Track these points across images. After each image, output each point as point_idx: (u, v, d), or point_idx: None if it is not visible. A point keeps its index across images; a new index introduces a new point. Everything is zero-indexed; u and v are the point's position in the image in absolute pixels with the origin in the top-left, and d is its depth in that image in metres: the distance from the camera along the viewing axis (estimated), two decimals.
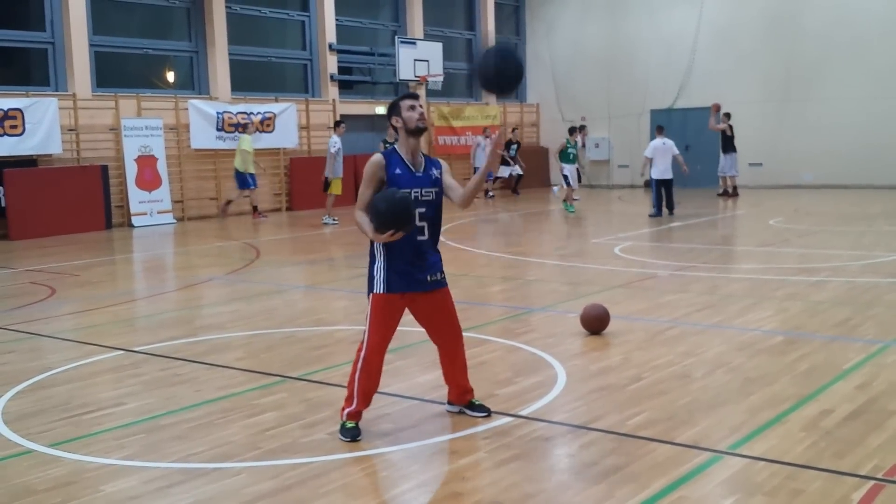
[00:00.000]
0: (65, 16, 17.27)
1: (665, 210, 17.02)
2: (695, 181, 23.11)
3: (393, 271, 4.77)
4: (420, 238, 4.78)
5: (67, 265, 12.43)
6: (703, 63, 24.63)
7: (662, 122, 25.29)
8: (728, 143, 21.28)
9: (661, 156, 16.96)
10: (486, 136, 24.06)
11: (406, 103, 4.81)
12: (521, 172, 24.85)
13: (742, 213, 17.69)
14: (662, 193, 16.98)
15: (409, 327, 7.62)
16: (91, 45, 17.83)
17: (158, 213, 18.38)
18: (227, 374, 6.25)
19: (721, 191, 21.66)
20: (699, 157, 23.41)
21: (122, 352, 7.05)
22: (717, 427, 4.84)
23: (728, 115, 21.37)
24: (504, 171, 24.18)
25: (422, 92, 24.67)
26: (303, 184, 21.09)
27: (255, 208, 18.94)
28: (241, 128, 19.21)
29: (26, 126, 16.23)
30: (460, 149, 25.50)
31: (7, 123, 16.02)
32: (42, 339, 7.69)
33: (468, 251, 12.80)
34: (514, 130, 25.52)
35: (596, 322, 7.12)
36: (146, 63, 19.63)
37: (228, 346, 7.26)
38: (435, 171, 4.87)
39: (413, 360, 6.54)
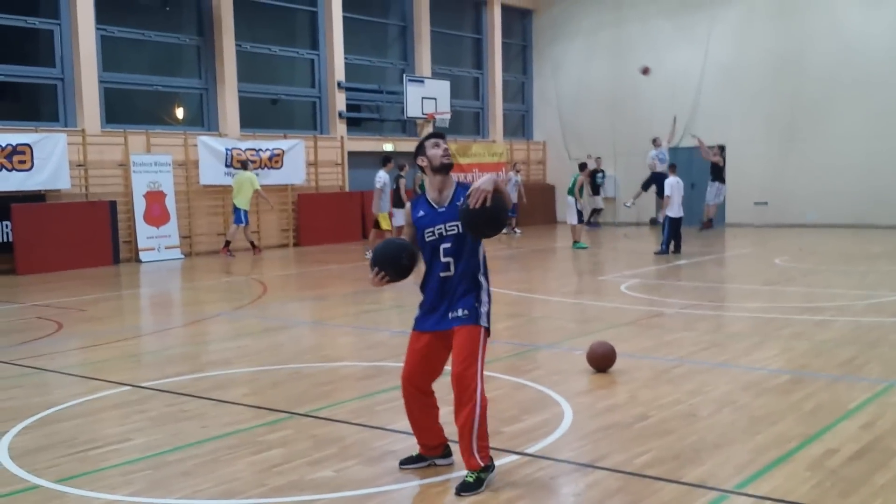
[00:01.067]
0: (75, 52, 17.50)
1: (671, 248, 17.01)
2: (699, 219, 23.16)
3: (421, 309, 4.83)
4: (444, 274, 4.71)
5: (74, 300, 12.48)
6: (708, 102, 24.82)
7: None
8: (718, 173, 21.74)
9: (678, 194, 16.98)
10: (517, 171, 23.84)
11: (430, 142, 4.85)
12: (602, 206, 24.58)
13: (747, 252, 17.70)
14: (673, 232, 16.92)
15: None
16: (101, 82, 18.03)
17: (166, 248, 18.46)
18: (234, 411, 6.26)
19: (705, 220, 22.12)
20: (704, 196, 23.44)
21: (128, 387, 7.07)
22: (723, 466, 4.83)
23: (722, 148, 21.73)
24: (597, 202, 23.62)
25: (429, 129, 24.87)
26: (310, 220, 21.21)
27: (227, 244, 18.66)
28: (242, 164, 19.25)
29: (35, 161, 16.37)
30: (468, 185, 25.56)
31: (16, 159, 16.16)
32: (48, 374, 7.71)
33: None
34: (597, 158, 24.82)
35: (602, 360, 7.13)
36: (156, 99, 19.84)
37: (235, 382, 7.27)
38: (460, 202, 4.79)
39: None
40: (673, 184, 17.00)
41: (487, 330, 4.72)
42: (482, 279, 4.77)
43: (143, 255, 18.03)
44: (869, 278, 13.00)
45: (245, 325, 10.10)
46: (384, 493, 4.57)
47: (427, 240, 4.73)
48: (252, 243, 18.99)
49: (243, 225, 18.57)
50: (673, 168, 17.83)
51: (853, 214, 22.05)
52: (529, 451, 5.15)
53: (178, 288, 15.09)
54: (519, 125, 29.21)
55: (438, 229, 4.71)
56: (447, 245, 4.70)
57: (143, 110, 19.58)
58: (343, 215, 21.96)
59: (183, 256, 18.73)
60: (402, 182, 17.71)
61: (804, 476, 4.62)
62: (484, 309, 4.72)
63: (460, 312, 4.66)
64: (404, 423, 5.76)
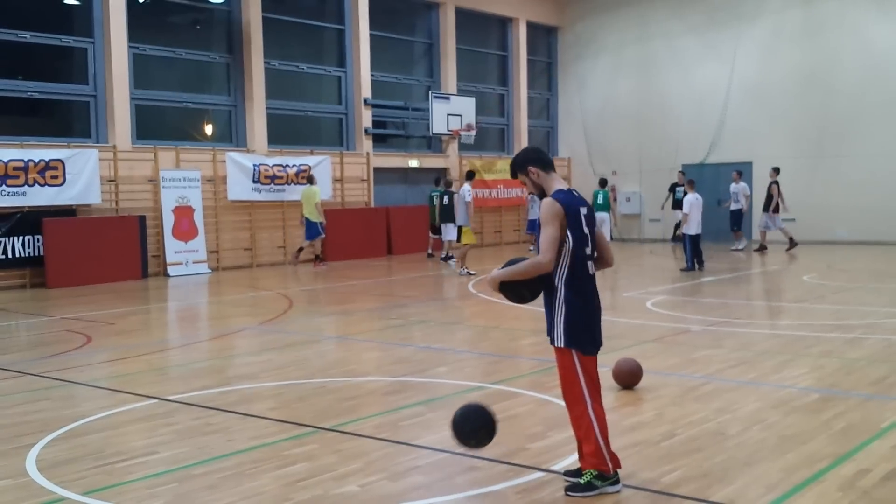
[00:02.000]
0: (107, 70, 17.74)
1: (695, 265, 16.90)
2: (725, 236, 23.00)
3: None
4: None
5: (103, 314, 12.59)
6: (734, 119, 24.70)
7: (694, 177, 25.37)
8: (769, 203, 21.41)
9: (697, 210, 16.89)
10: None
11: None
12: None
13: (775, 269, 17.53)
14: (694, 249, 16.86)
15: (441, 379, 7.63)
16: (132, 99, 18.26)
17: (194, 262, 18.61)
18: (259, 424, 6.27)
19: (758, 246, 21.73)
20: (730, 213, 23.26)
21: (155, 400, 7.11)
22: (752, 485, 4.76)
23: (776, 170, 21.39)
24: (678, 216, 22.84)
25: (454, 146, 24.94)
26: (336, 235, 21.25)
27: (316, 257, 19.65)
28: (308, 179, 19.84)
29: (67, 176, 16.59)
30: (492, 202, 25.65)
31: (48, 174, 16.39)
32: (77, 387, 7.77)
33: (498, 304, 12.79)
34: (680, 172, 23.98)
35: (628, 377, 7.07)
36: (185, 116, 20.06)
37: (260, 395, 7.29)
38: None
39: (444, 413, 6.51)
40: (692, 201, 16.88)
41: (578, 351, 4.67)
42: (559, 285, 4.68)
43: (171, 270, 18.17)
44: None
45: (271, 340, 10.14)
46: None
47: None
48: (316, 256, 19.63)
49: (321, 237, 19.47)
50: (692, 184, 17.66)
51: (884, 231, 21.80)
52: (555, 468, 5.11)
53: (205, 302, 15.18)
54: (544, 142, 29.20)
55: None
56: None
57: (173, 126, 19.80)
58: (368, 231, 22.03)
59: (210, 271, 18.85)
60: (456, 198, 18.36)
61: (835, 496, 4.55)
62: (559, 324, 4.67)
63: (547, 336, 4.80)
64: (429, 439, 5.76)
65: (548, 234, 4.57)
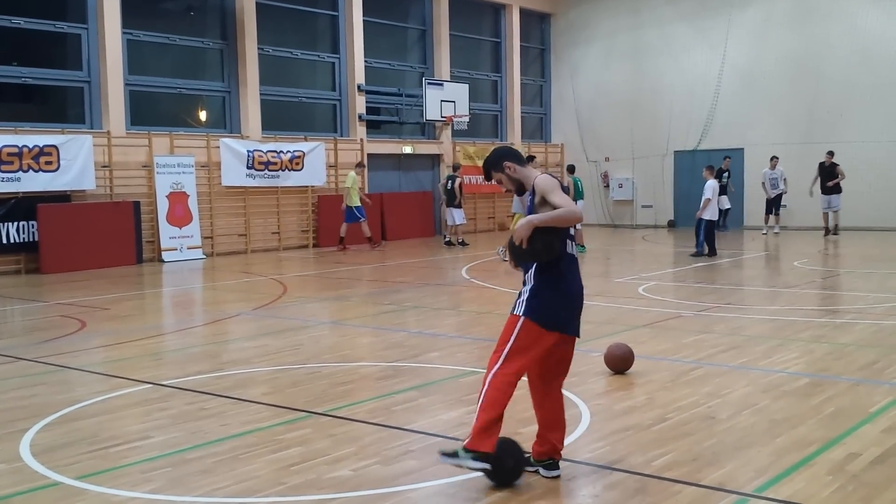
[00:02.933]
0: (101, 56, 17.67)
1: (706, 250, 16.80)
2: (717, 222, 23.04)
3: None
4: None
5: (98, 299, 12.60)
6: (726, 105, 24.74)
7: (686, 164, 25.45)
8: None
9: (716, 196, 16.83)
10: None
11: None
12: (730, 206, 23.28)
13: (766, 255, 17.60)
14: (708, 235, 16.75)
15: (434, 364, 7.67)
16: (126, 84, 18.21)
17: (188, 248, 18.60)
18: (253, 409, 6.30)
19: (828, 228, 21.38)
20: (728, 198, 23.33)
21: (149, 385, 7.13)
22: (742, 469, 4.81)
23: (831, 154, 21.26)
24: (724, 202, 22.26)
25: (448, 132, 24.92)
26: (330, 221, 21.26)
27: (369, 238, 20.15)
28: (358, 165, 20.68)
29: (61, 162, 16.56)
30: (486, 188, 25.63)
31: (42, 160, 16.35)
32: (71, 372, 7.78)
33: (492, 289, 12.83)
34: (726, 158, 23.42)
35: (620, 361, 7.12)
36: (179, 102, 20.00)
37: (254, 380, 7.32)
38: (529, 197, 4.76)
39: (437, 398, 6.56)
40: (714, 186, 16.75)
41: (529, 320, 4.59)
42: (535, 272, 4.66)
43: (165, 255, 18.17)
44: (890, 281, 12.89)
45: (265, 325, 10.16)
46: (402, 492, 4.59)
47: None
48: (369, 238, 20.15)
49: (363, 220, 19.95)
50: (711, 170, 17.42)
51: (873, 217, 21.90)
52: None
53: (200, 287, 15.19)
54: (537, 128, 29.19)
55: None
56: None
57: (167, 113, 19.75)
58: None
59: (204, 256, 18.86)
60: (458, 182, 19.63)
61: (825, 480, 4.60)
62: (525, 296, 4.65)
63: (515, 303, 4.74)
64: (422, 424, 5.80)
65: (562, 195, 4.52)
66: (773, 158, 21.89)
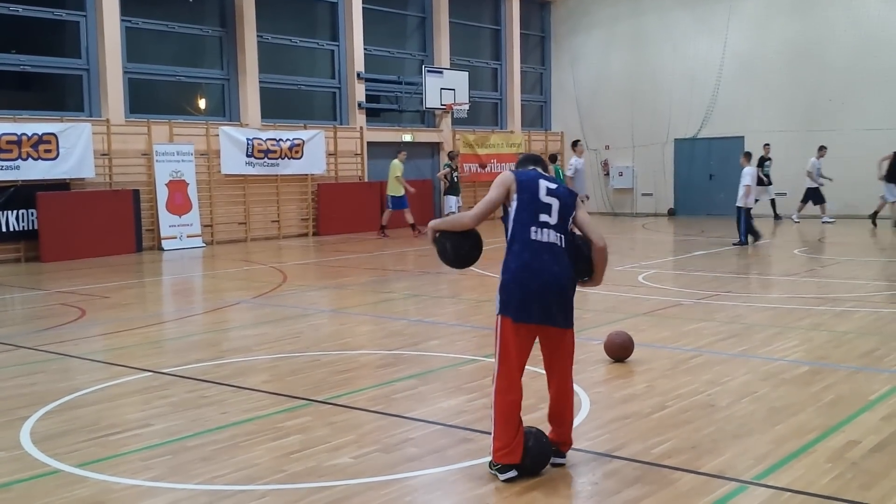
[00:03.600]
0: (100, 43, 17.62)
1: (748, 238, 16.58)
2: (719, 209, 23.07)
3: None
4: None
5: (98, 287, 12.60)
6: (727, 93, 24.68)
7: (686, 151, 25.39)
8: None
9: (755, 183, 16.64)
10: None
11: None
12: (773, 195, 22.32)
13: (766, 243, 17.58)
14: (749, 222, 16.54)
15: (433, 352, 7.68)
16: (125, 72, 18.16)
17: (188, 236, 18.59)
18: (254, 397, 6.31)
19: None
20: (723, 187, 23.36)
21: (149, 373, 7.14)
22: (742, 457, 4.82)
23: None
24: (763, 195, 21.43)
25: (447, 120, 24.87)
26: (330, 209, 21.28)
27: (412, 225, 20.12)
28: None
29: (60, 150, 16.53)
30: (485, 176, 25.60)
31: (41, 148, 16.32)
32: (71, 360, 7.79)
33: (491, 277, 12.82)
34: (766, 145, 22.61)
35: (620, 349, 7.13)
36: (179, 90, 19.95)
37: (255, 368, 7.33)
38: None
39: (437, 385, 6.57)
40: (752, 173, 16.54)
41: (501, 315, 4.65)
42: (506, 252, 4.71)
43: (165, 244, 18.16)
44: (890, 269, 12.90)
45: (265, 313, 10.17)
46: (402, 480, 4.60)
47: None
48: (413, 226, 20.12)
49: (405, 209, 20.17)
50: (748, 157, 17.11)
51: (872, 205, 21.83)
52: None
53: (200, 276, 15.19)
54: (537, 116, 29.14)
55: None
56: None
57: (166, 100, 19.70)
58: (362, 205, 22.00)
59: (204, 245, 18.85)
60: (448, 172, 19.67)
61: (824, 468, 4.61)
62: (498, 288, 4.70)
63: None
64: (422, 412, 5.81)
65: (485, 197, 4.74)
66: (822, 148, 21.51)
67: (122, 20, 18.02)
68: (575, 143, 17.42)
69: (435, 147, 25.09)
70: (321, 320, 9.86)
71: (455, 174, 20.89)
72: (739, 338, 8.09)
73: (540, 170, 4.85)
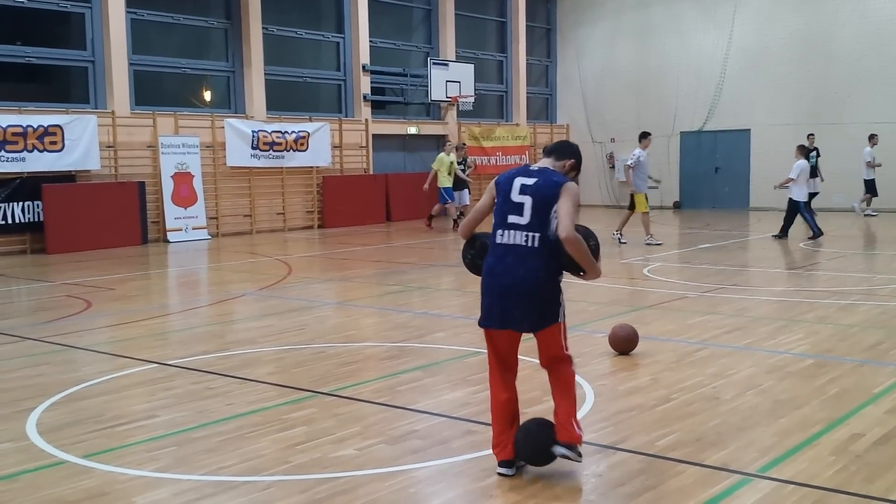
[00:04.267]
0: (105, 35, 17.63)
1: (784, 231, 16.47)
2: (723, 203, 23.03)
3: None
4: None
5: (103, 279, 12.63)
6: (732, 86, 24.62)
7: (692, 144, 25.31)
8: None
9: (805, 176, 16.54)
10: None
11: None
12: (820, 190, 20.84)
13: (772, 235, 17.55)
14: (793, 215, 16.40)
15: (438, 345, 7.69)
16: (130, 64, 18.17)
17: (193, 229, 18.62)
18: (259, 389, 6.33)
19: None
20: (728, 180, 23.37)
21: (155, 365, 7.16)
22: (746, 449, 4.82)
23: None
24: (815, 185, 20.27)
25: (453, 113, 24.85)
26: (335, 202, 21.29)
27: (455, 220, 19.84)
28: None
29: (66, 142, 16.56)
30: (491, 169, 25.58)
31: (47, 139, 16.35)
32: (77, 352, 7.82)
33: None
34: (810, 135, 21.56)
35: (624, 342, 7.12)
36: (184, 82, 19.96)
37: (260, 360, 7.34)
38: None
39: (442, 378, 6.58)
40: (802, 167, 16.43)
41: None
42: None
43: (170, 236, 18.20)
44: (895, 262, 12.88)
45: (270, 305, 10.18)
46: (406, 471, 4.61)
47: None
48: (455, 220, 19.77)
49: (450, 202, 19.95)
50: (801, 150, 16.78)
51: (881, 198, 21.78)
52: None
53: (205, 268, 15.22)
54: (542, 109, 29.09)
55: None
56: None
57: (172, 92, 19.72)
58: (367, 198, 22.02)
59: (210, 237, 18.88)
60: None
61: (828, 460, 4.60)
62: None
63: None
64: (426, 404, 5.82)
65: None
66: (873, 136, 21.05)
67: (128, 12, 18.02)
68: (644, 136, 16.75)
69: (440, 139, 25.06)
70: (326, 312, 9.88)
71: (461, 167, 20.29)
72: (744, 331, 8.09)
73: (548, 161, 4.69)
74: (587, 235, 4.50)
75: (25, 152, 16.13)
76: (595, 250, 4.50)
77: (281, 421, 5.50)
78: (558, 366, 4.55)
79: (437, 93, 23.59)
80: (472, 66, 24.80)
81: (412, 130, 24.01)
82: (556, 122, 28.87)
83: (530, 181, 4.49)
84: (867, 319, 8.50)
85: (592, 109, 27.64)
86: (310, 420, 5.51)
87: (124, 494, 4.36)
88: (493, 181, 4.68)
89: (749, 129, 24.15)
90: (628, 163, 16.29)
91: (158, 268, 15.02)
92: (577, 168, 4.74)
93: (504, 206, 4.50)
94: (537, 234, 4.39)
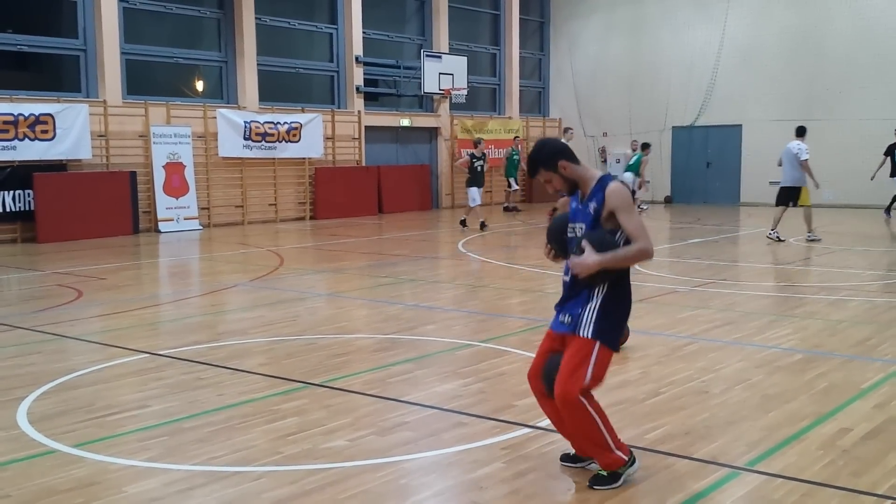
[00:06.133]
0: (97, 24, 17.55)
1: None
2: (714, 198, 23.08)
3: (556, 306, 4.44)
4: (565, 278, 4.36)
5: (94, 269, 12.60)
6: (724, 81, 24.67)
7: (684, 139, 25.36)
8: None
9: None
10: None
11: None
12: None
13: (762, 231, 17.61)
14: None
15: (429, 337, 7.70)
16: (122, 53, 18.10)
17: (185, 219, 18.59)
18: (250, 379, 6.33)
19: None
20: (719, 175, 23.43)
21: (146, 355, 7.15)
22: (734, 443, 4.85)
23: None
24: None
25: (445, 105, 24.83)
26: (327, 193, 21.28)
27: (515, 207, 21.85)
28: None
29: (57, 131, 16.50)
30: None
31: (38, 128, 16.29)
32: (68, 341, 7.81)
33: (489, 263, 12.85)
34: (603, 134, 22.51)
35: None
36: (176, 72, 19.89)
37: (251, 351, 7.34)
38: (592, 205, 4.22)
39: (432, 370, 6.59)
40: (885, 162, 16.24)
41: (603, 344, 4.20)
42: (603, 281, 4.19)
43: (162, 226, 18.16)
44: (885, 259, 12.94)
45: (261, 296, 10.18)
46: (397, 463, 4.62)
47: (568, 234, 4.38)
48: (514, 208, 21.24)
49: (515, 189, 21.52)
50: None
51: (871, 195, 21.88)
52: (541, 424, 5.18)
53: (197, 258, 15.18)
54: (535, 102, 29.10)
55: (572, 227, 4.36)
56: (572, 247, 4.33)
57: (164, 82, 19.65)
58: (359, 189, 22.01)
59: (201, 227, 18.85)
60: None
61: (816, 455, 4.64)
62: (590, 316, 4.20)
63: (567, 319, 4.27)
64: (417, 395, 5.84)
65: (638, 220, 4.18)
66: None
67: (120, 0, 17.95)
68: (803, 130, 16.21)
69: (433, 132, 25.06)
70: (318, 304, 9.88)
71: (479, 163, 18.53)
72: (734, 325, 8.13)
73: (558, 182, 4.32)
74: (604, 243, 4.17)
75: (17, 141, 16.07)
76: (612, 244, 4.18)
77: (272, 412, 5.51)
78: (562, 378, 4.27)
79: (429, 85, 23.57)
80: (465, 58, 24.78)
81: (405, 122, 23.99)
82: (548, 115, 28.89)
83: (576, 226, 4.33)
84: (856, 315, 8.55)
85: (585, 103, 27.67)
86: (301, 411, 5.52)
87: (115, 484, 4.36)
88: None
89: (741, 125, 24.21)
90: (803, 158, 15.60)
91: (150, 258, 14.99)
92: (565, 160, 4.28)
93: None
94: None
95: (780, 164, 15.80)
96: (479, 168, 18.43)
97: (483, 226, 17.95)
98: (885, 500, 4.04)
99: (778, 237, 15.31)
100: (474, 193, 18.17)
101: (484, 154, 19.02)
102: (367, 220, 20.80)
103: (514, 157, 23.91)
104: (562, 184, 4.31)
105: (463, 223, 18.14)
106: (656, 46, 25.98)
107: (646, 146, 21.01)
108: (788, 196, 15.55)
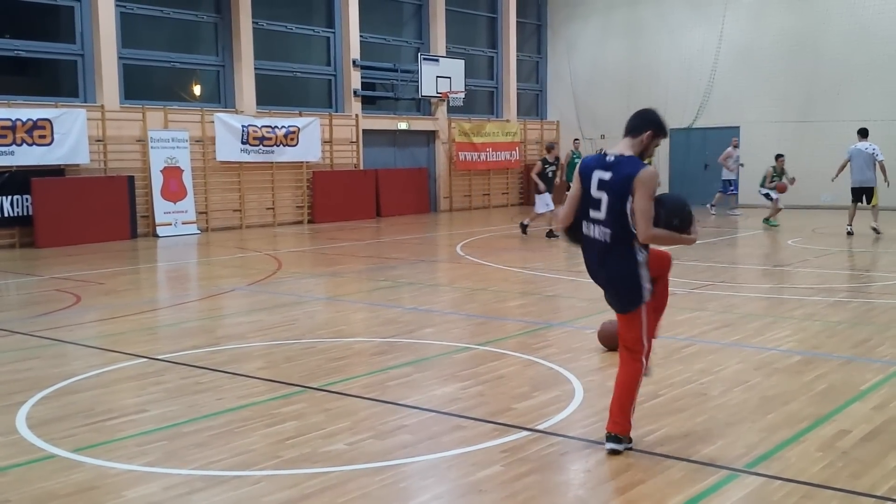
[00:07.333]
0: (95, 29, 17.56)
1: None
2: (712, 200, 23.04)
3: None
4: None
5: (93, 273, 12.59)
6: (722, 83, 24.70)
7: (681, 142, 25.37)
8: None
9: None
10: (735, 146, 22.22)
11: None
12: None
13: (760, 233, 17.63)
14: None
15: (428, 340, 7.70)
16: (120, 58, 18.11)
17: (183, 223, 18.58)
18: (248, 384, 6.33)
19: None
20: (717, 177, 23.34)
21: (145, 359, 7.15)
22: (733, 445, 4.85)
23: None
24: None
25: (443, 108, 24.85)
26: (325, 197, 21.28)
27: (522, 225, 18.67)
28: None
29: (55, 136, 16.50)
30: (481, 165, 25.63)
31: (36, 133, 16.28)
32: (66, 346, 7.80)
33: (487, 266, 12.85)
34: (578, 139, 21.73)
35: (613, 338, 7.12)
36: (173, 76, 19.90)
37: (249, 355, 7.34)
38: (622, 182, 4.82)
39: (431, 373, 6.59)
40: None
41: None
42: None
43: (160, 230, 18.15)
44: (884, 259, 12.95)
45: (260, 300, 10.18)
46: (396, 466, 4.62)
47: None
48: (524, 225, 18.05)
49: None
50: None
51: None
52: (540, 427, 5.19)
53: (195, 262, 15.17)
54: (533, 105, 29.12)
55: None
56: None
57: (161, 86, 19.65)
58: (357, 193, 22.02)
59: (199, 232, 18.84)
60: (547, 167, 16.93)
61: (815, 456, 4.64)
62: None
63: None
64: (416, 399, 5.84)
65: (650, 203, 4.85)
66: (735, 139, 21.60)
67: (117, 5, 17.96)
68: (865, 132, 16.37)
69: (430, 135, 25.07)
70: (316, 308, 9.88)
71: (552, 168, 17.13)
72: (732, 327, 8.13)
73: (625, 144, 4.88)
74: (671, 213, 4.75)
75: (14, 146, 16.06)
76: (682, 225, 4.80)
77: (271, 416, 5.51)
78: (627, 356, 4.89)
79: (427, 88, 23.59)
80: (463, 61, 24.79)
81: (402, 126, 24.00)
82: (546, 118, 28.91)
83: (606, 176, 4.71)
84: (855, 316, 8.55)
85: (583, 106, 27.68)
86: (300, 415, 5.52)
87: (114, 488, 4.36)
88: (577, 169, 4.87)
89: (738, 127, 24.22)
90: (879, 158, 15.97)
91: (148, 262, 14.99)
92: (657, 135, 4.93)
93: (586, 199, 4.78)
94: (613, 231, 4.67)
95: (843, 166, 16.43)
96: (550, 174, 17.18)
97: (551, 233, 16.66)
98: (885, 502, 4.05)
99: (850, 231, 16.07)
100: (546, 199, 16.90)
101: (557, 159, 17.79)
102: (365, 224, 20.81)
103: (576, 159, 22.99)
104: (639, 146, 4.97)
105: (524, 228, 17.36)
106: (654, 49, 26.01)
107: (779, 157, 20.67)
108: (862, 194, 16.24)
